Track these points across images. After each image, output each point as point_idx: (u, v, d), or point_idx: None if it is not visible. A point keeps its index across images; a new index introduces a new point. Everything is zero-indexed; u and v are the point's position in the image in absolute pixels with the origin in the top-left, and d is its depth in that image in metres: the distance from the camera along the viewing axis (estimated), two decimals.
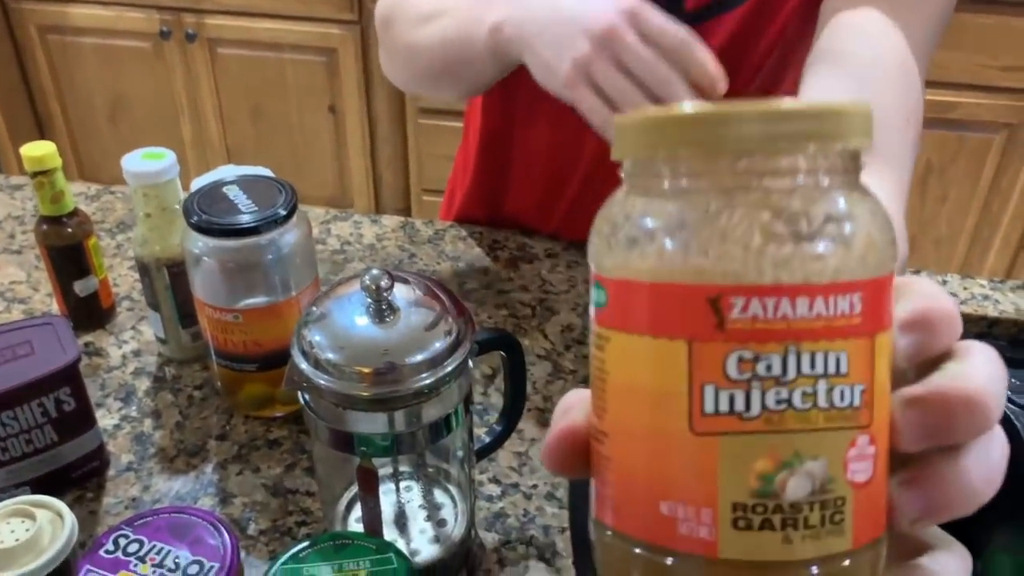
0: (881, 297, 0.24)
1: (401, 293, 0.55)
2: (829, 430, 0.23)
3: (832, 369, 0.23)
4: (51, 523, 0.56)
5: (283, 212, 0.68)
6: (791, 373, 0.23)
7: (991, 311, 0.87)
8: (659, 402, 0.24)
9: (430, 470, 0.67)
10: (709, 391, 0.23)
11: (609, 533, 0.26)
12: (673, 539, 0.24)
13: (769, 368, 0.23)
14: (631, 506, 0.25)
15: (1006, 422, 0.80)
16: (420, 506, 0.65)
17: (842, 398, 0.23)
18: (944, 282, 0.91)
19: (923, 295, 0.26)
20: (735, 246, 0.23)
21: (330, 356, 0.53)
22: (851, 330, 0.23)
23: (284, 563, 0.52)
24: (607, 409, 0.26)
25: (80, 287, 0.82)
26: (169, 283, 0.77)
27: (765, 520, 0.23)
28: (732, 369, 0.23)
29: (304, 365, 0.54)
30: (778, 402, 0.23)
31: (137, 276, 0.91)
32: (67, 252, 0.80)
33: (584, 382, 0.80)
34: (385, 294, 0.53)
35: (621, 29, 0.62)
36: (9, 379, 0.64)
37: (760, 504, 0.23)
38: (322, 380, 0.53)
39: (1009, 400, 0.81)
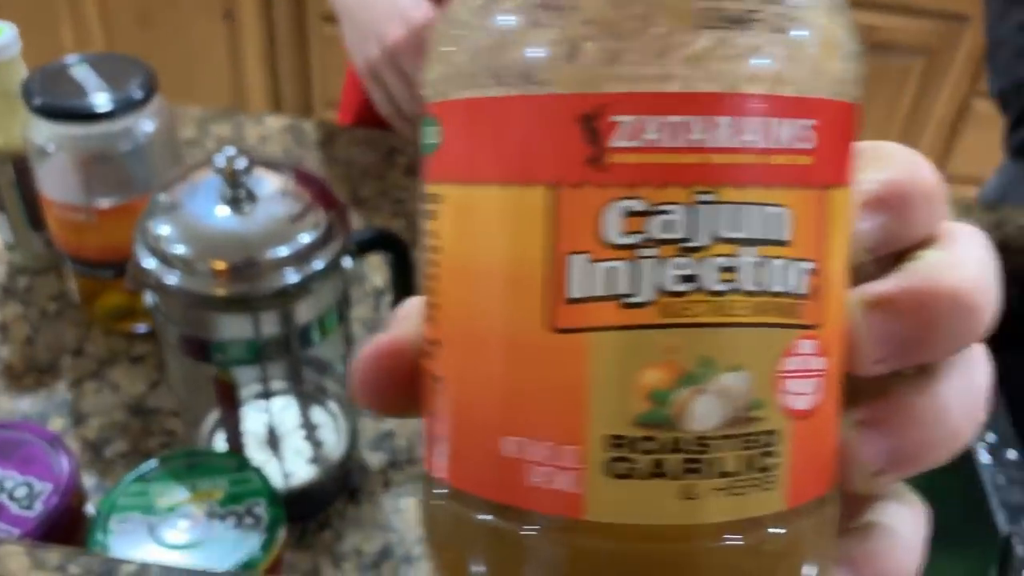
0: (843, 134, 0.17)
1: (263, 180, 0.48)
2: (757, 327, 0.16)
3: (766, 233, 0.15)
4: None
5: (139, 95, 0.60)
6: (703, 236, 0.15)
7: None
8: (507, 285, 0.16)
9: (308, 387, 0.61)
10: (578, 264, 0.15)
11: (442, 491, 0.18)
12: (522, 494, 0.16)
13: (670, 227, 0.15)
14: (468, 449, 0.17)
15: None
16: (297, 425, 0.59)
17: (779, 279, 0.16)
18: None
19: (898, 162, 0.19)
20: (623, 33, 0.15)
21: (179, 250, 0.46)
22: (798, 174, 0.16)
23: (129, 484, 0.46)
24: (440, 305, 0.18)
25: None
26: (15, 180, 0.68)
27: (657, 462, 0.15)
28: (614, 229, 0.15)
29: (149, 261, 0.46)
30: (681, 280, 0.15)
31: None
32: None
33: None
34: (242, 179, 0.46)
35: (405, 46, 0.71)
36: None
37: (649, 437, 0.15)
38: (170, 278, 0.46)
39: None
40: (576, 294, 0.15)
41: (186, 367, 0.53)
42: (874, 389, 0.19)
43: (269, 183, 0.48)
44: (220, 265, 0.45)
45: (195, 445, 0.57)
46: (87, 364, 0.66)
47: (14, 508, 0.45)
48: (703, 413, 0.15)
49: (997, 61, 0.84)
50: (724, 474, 0.16)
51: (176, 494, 0.46)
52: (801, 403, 0.16)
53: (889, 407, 0.18)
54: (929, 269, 0.18)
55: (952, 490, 0.71)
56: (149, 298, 0.49)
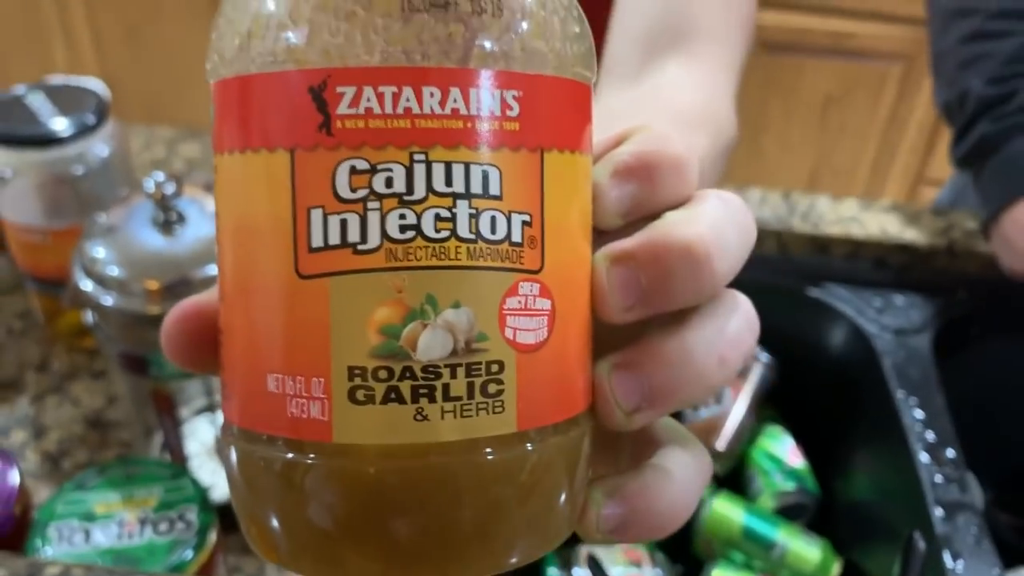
0: (557, 104, 0.19)
1: (196, 202, 0.50)
2: (476, 269, 0.18)
3: (477, 188, 0.18)
4: None
5: (92, 120, 0.63)
6: (419, 190, 0.18)
7: (856, 233, 0.86)
8: (262, 239, 0.18)
9: None
10: (317, 217, 0.18)
11: (230, 433, 0.20)
12: (283, 424, 0.18)
13: (390, 183, 0.17)
14: (244, 390, 0.19)
15: (864, 340, 0.80)
16: None
17: (493, 228, 0.18)
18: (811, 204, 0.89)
19: (649, 138, 0.21)
20: (345, 17, 0.17)
21: (113, 272, 0.48)
22: (505, 138, 0.18)
23: (69, 492, 0.49)
24: (220, 266, 0.20)
25: None
26: None
27: (391, 389, 0.18)
28: (343, 185, 0.18)
29: (86, 283, 0.49)
30: (403, 229, 0.18)
31: None
32: None
33: None
34: (172, 202, 0.49)
35: None
36: None
37: (384, 367, 0.18)
38: (106, 299, 0.48)
39: (871, 320, 0.80)
40: (316, 243, 0.18)
41: (132, 382, 0.56)
42: (632, 336, 0.21)
43: (202, 205, 0.50)
44: (152, 285, 0.48)
45: (148, 455, 0.60)
46: (49, 379, 0.68)
47: None
48: (429, 344, 0.18)
49: (941, 73, 0.86)
50: (453, 398, 0.18)
51: (113, 501, 0.48)
52: (527, 337, 0.19)
53: (640, 351, 0.20)
54: (664, 226, 0.20)
55: (891, 488, 0.73)
56: (89, 317, 0.51)
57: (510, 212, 0.18)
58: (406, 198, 0.18)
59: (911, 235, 0.85)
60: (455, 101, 0.18)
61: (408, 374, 0.18)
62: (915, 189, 2.00)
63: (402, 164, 0.18)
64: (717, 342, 0.21)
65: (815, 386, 0.86)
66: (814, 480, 0.80)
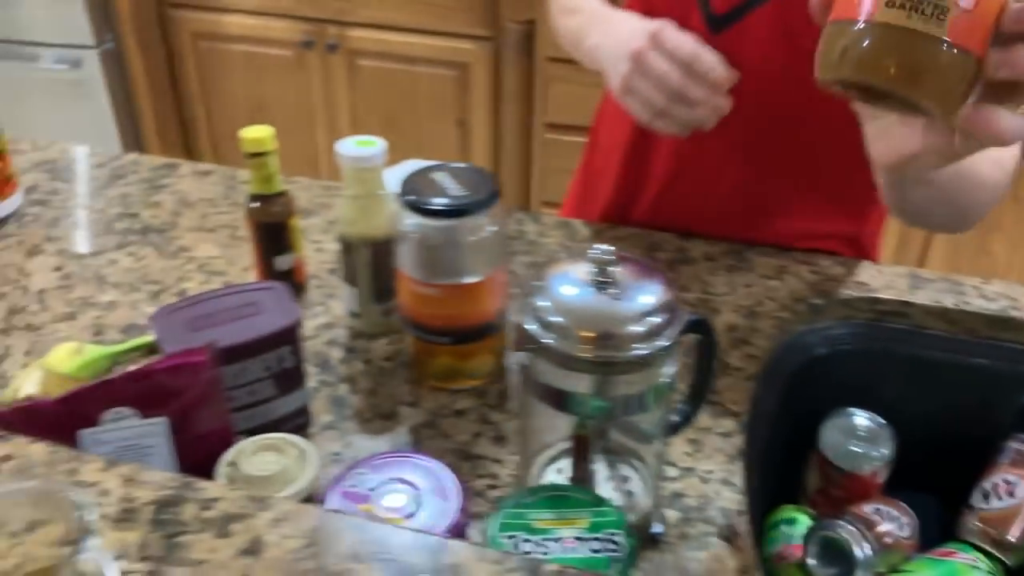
0: None
1: (622, 269, 0.59)
2: None
3: None
4: (297, 458, 0.62)
5: (485, 198, 0.74)
6: None
7: None
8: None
9: (614, 445, 0.71)
10: None
11: (830, 21, 0.53)
12: (858, 13, 0.50)
13: None
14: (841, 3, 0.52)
15: None
16: (607, 477, 0.69)
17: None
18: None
19: None
20: None
21: (556, 319, 0.58)
22: None
23: (510, 508, 0.57)
24: None
25: (280, 262, 0.89)
26: (370, 261, 0.83)
27: (900, 2, 0.48)
28: None
29: (533, 327, 0.58)
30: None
31: (322, 256, 0.98)
32: (273, 229, 0.87)
33: (748, 380, 0.83)
34: (609, 268, 0.58)
35: (645, 50, 0.83)
36: (239, 335, 0.70)
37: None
38: (547, 339, 0.58)
39: None
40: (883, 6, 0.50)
41: (537, 418, 0.65)
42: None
43: (627, 271, 0.59)
44: (589, 332, 0.57)
45: (525, 482, 0.68)
46: (420, 414, 0.79)
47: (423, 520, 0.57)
48: None
49: None
50: (923, 13, 0.48)
51: (549, 519, 0.56)
52: (963, 2, 0.48)
53: (1011, 47, 0.49)
54: None
55: None
56: (517, 358, 0.60)
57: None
58: None
59: None
60: None
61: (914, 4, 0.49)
62: None
63: None
64: None
65: None
66: None
